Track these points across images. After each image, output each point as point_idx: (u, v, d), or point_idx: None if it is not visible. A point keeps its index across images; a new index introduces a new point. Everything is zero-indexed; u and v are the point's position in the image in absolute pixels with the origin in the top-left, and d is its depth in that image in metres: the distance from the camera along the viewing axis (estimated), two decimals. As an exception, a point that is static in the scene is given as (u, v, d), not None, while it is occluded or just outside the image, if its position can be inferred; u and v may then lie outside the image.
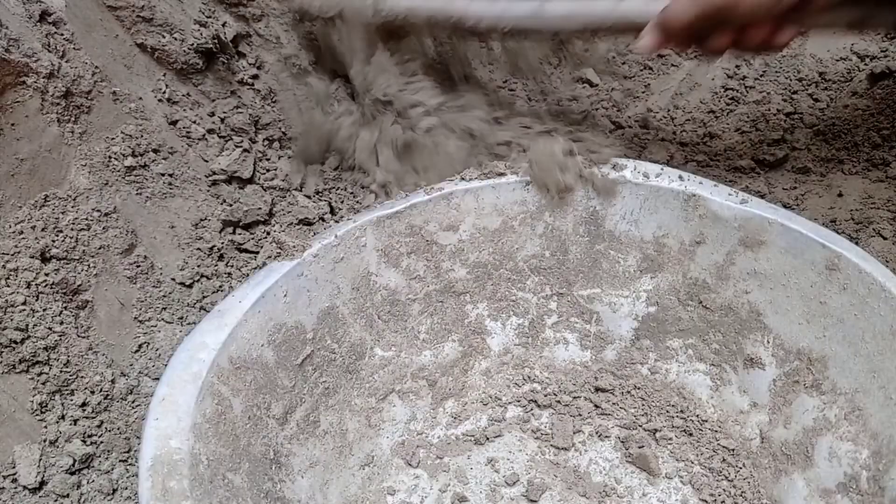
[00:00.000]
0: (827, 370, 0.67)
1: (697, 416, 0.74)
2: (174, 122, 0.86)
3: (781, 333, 0.71)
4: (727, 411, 0.74)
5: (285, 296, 0.64)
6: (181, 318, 0.78)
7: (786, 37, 0.72)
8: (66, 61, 0.76)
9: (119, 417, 0.71)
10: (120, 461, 0.69)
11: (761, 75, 1.06)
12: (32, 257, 0.70)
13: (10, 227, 0.70)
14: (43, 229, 0.72)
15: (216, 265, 0.83)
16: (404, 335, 0.74)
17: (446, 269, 0.75)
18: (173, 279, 0.80)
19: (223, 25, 0.91)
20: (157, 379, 0.74)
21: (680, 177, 0.74)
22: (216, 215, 0.86)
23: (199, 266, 0.82)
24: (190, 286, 0.80)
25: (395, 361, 0.74)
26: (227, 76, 0.92)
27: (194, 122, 0.88)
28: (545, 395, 0.76)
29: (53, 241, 0.72)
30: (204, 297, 0.81)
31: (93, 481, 0.67)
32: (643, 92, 1.09)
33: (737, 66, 1.07)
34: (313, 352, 0.67)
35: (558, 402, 0.76)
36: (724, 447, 0.72)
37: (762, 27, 0.71)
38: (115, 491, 0.67)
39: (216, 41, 0.89)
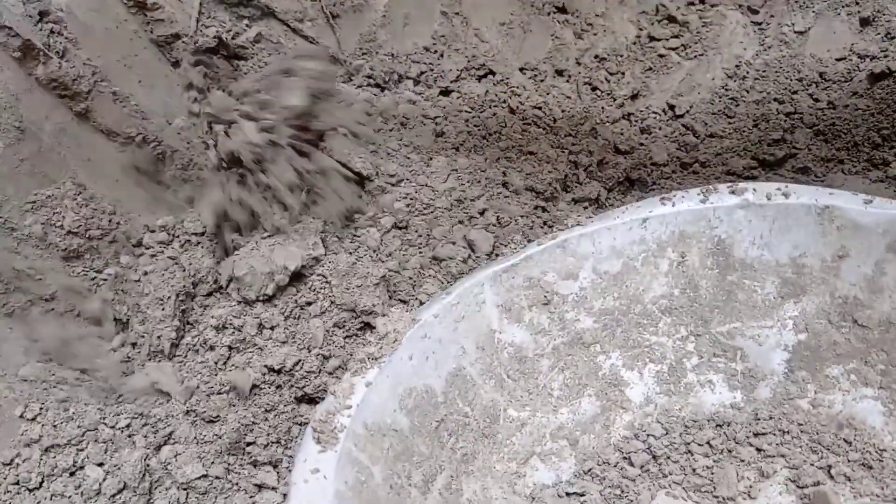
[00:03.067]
0: None
1: (874, 446, 0.68)
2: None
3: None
4: (907, 437, 0.68)
5: (411, 359, 0.64)
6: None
7: None
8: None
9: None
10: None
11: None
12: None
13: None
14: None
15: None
16: (537, 393, 0.71)
17: (571, 319, 0.72)
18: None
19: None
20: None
21: (808, 191, 0.70)
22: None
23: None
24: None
25: (532, 422, 0.70)
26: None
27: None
28: (699, 445, 0.70)
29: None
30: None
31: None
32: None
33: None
34: (446, 416, 0.65)
35: (714, 449, 0.70)
36: (911, 477, 0.66)
37: None
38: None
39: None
